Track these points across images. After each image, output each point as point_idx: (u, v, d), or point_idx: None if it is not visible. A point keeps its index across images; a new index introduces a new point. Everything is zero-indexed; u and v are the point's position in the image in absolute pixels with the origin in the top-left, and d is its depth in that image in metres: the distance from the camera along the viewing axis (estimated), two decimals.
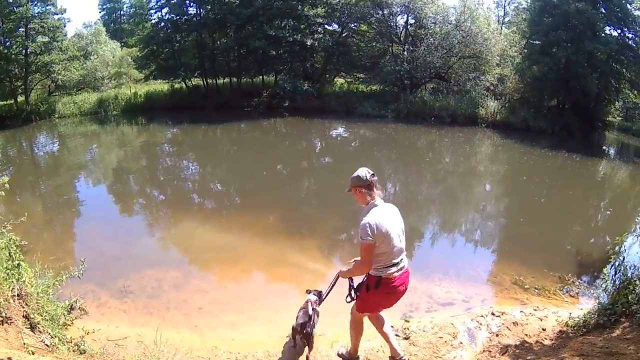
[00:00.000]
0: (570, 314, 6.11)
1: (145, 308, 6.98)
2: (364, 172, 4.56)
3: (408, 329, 6.16)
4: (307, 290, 5.81)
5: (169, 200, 14.19)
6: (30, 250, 7.94)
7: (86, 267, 6.35)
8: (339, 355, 5.53)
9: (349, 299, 4.89)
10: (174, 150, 22.78)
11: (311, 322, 5.27)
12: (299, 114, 29.24)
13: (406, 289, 4.73)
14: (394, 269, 4.51)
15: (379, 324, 5.17)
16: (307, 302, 5.49)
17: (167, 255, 9.38)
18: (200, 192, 14.97)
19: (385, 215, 4.47)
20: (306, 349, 5.36)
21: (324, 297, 5.61)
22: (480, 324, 6.32)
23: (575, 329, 5.63)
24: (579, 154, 20.11)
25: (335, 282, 5.34)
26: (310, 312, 5.33)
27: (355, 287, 4.84)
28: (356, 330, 5.20)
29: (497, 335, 6.00)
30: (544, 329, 6.01)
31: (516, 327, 6.15)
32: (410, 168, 18.05)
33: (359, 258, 4.58)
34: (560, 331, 5.80)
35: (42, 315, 5.13)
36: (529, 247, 9.87)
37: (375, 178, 4.58)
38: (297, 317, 5.36)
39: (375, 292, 4.60)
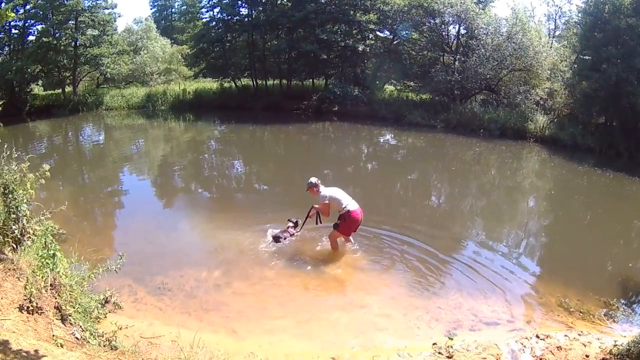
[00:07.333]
0: (616, 341, 6.04)
1: (183, 307, 6.99)
2: (313, 179, 8.69)
3: (451, 347, 6.11)
4: (288, 219, 9.65)
5: (213, 198, 14.29)
6: (68, 239, 7.95)
7: (124, 262, 6.27)
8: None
9: (319, 223, 9.20)
10: (221, 149, 23.17)
11: (282, 237, 9.27)
12: (348, 119, 29.29)
13: (361, 219, 8.65)
14: (348, 207, 8.43)
15: (347, 243, 9.16)
16: (287, 227, 9.49)
17: (208, 254, 9.26)
18: (244, 193, 15.19)
19: (331, 189, 8.72)
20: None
21: (301, 224, 9.52)
22: (524, 347, 6.24)
23: (618, 357, 5.55)
24: (624, 174, 19.29)
25: (309, 214, 9.10)
26: (284, 233, 9.35)
27: (335, 222, 8.71)
28: (335, 248, 8.93)
29: None
30: (587, 356, 5.92)
31: (560, 352, 6.06)
32: (457, 180, 17.82)
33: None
34: (603, 359, 5.74)
35: (74, 308, 5.18)
36: (574, 268, 9.62)
37: (319, 180, 8.75)
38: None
39: (348, 220, 8.48)
